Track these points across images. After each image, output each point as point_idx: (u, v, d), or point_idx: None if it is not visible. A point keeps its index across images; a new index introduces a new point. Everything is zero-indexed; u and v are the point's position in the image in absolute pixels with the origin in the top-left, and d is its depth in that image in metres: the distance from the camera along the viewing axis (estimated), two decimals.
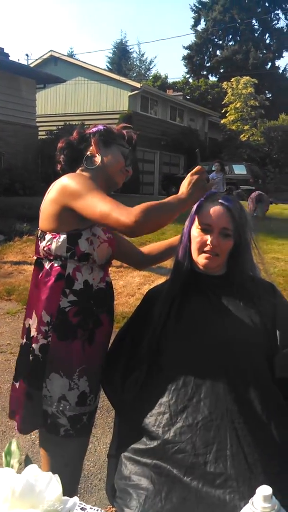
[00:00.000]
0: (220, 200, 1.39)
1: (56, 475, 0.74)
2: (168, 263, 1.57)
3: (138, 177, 17.79)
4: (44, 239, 1.43)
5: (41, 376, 1.42)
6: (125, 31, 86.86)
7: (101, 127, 1.57)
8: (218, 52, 36.56)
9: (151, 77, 34.20)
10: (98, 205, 1.31)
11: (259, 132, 24.18)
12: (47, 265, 1.44)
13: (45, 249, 1.43)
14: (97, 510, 0.95)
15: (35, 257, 1.53)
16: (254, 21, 35.43)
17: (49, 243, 1.42)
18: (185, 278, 1.43)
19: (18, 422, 1.50)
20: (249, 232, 1.42)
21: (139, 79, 32.22)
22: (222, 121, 25.30)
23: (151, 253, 1.73)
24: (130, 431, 1.34)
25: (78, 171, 1.52)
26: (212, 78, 35.46)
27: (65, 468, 1.20)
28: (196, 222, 1.41)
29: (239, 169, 17.26)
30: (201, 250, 1.40)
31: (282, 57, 39.99)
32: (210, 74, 36.83)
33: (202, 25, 36.29)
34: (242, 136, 24.10)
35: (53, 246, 1.41)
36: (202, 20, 36.08)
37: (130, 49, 40.94)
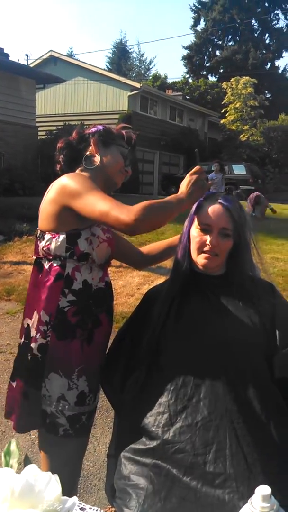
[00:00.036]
0: (219, 200, 1.39)
1: (56, 475, 0.74)
2: (168, 263, 1.57)
3: (138, 177, 17.80)
4: (43, 239, 1.44)
5: (40, 375, 1.42)
6: (124, 31, 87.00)
7: (100, 127, 1.57)
8: (217, 52, 36.59)
9: (150, 77, 34.21)
10: (97, 204, 1.31)
11: (259, 132, 24.19)
12: (46, 265, 1.44)
13: (44, 249, 1.43)
14: (97, 510, 0.96)
15: (34, 257, 1.53)
16: (253, 21, 35.48)
17: (48, 243, 1.42)
18: (184, 278, 1.43)
19: (15, 421, 1.50)
20: (248, 232, 1.42)
21: (139, 79, 32.23)
22: (221, 121, 25.30)
23: (151, 253, 1.73)
24: (130, 431, 1.34)
25: (77, 171, 1.52)
26: (212, 78, 35.52)
27: (64, 468, 1.20)
28: (195, 222, 1.41)
29: (239, 169, 17.26)
30: (200, 250, 1.40)
31: (282, 57, 40.05)
32: (210, 74, 36.87)
33: (201, 25, 36.38)
34: (241, 136, 24.10)
35: (52, 246, 1.41)
36: (202, 20, 36.12)
37: (130, 49, 41.01)
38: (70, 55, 29.11)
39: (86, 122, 14.75)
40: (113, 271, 5.70)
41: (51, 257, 1.43)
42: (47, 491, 0.71)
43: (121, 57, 39.90)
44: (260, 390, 1.26)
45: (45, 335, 1.42)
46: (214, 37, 36.65)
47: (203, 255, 1.39)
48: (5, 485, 0.70)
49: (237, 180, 15.50)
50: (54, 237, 1.41)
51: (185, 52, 36.37)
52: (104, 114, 18.51)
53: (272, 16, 35.92)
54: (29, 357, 1.43)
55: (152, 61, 49.87)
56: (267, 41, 36.48)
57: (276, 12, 35.92)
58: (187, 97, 27.87)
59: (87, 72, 19.43)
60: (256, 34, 36.28)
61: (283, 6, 35.06)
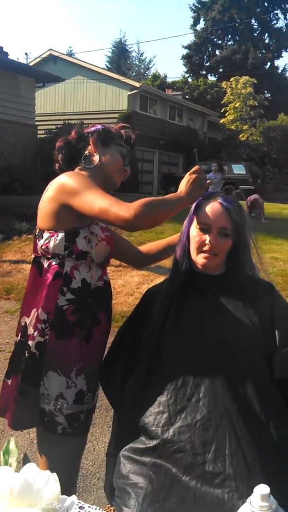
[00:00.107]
0: (219, 200, 1.39)
1: (54, 473, 0.74)
2: (167, 263, 1.57)
3: (137, 177, 17.80)
4: (42, 237, 1.44)
5: (39, 374, 1.42)
6: (124, 31, 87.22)
7: (99, 126, 1.57)
8: (217, 52, 36.59)
9: (150, 77, 34.21)
10: (96, 201, 1.32)
11: (258, 132, 24.19)
12: (45, 264, 1.45)
13: (43, 247, 1.43)
14: (96, 509, 0.96)
15: (33, 256, 1.53)
16: (253, 21, 35.47)
17: (47, 241, 1.42)
18: (184, 277, 1.43)
19: (9, 418, 1.50)
20: (248, 232, 1.42)
21: (138, 78, 32.24)
22: (221, 121, 25.30)
23: (150, 252, 1.74)
24: (129, 430, 1.34)
25: (76, 170, 1.52)
26: (211, 78, 35.54)
27: (62, 467, 1.20)
28: (195, 222, 1.42)
29: (238, 169, 17.26)
30: (199, 250, 1.40)
31: (281, 57, 40.08)
32: (209, 74, 36.86)
33: (201, 24, 36.37)
34: (241, 135, 24.11)
35: (51, 244, 1.41)
36: (202, 19, 36.11)
37: (130, 48, 41.01)
38: (70, 54, 29.09)
39: (86, 121, 14.75)
40: (112, 270, 5.70)
41: (49, 256, 1.43)
42: (46, 490, 0.71)
43: (120, 56, 39.89)
44: (259, 390, 1.26)
45: (43, 333, 1.42)
46: (213, 37, 36.65)
47: (203, 254, 1.39)
48: (4, 484, 0.70)
49: (237, 179, 15.47)
50: (52, 236, 1.41)
51: (185, 51, 36.41)
52: (103, 113, 18.50)
53: (271, 16, 35.95)
54: (26, 355, 1.43)
55: (152, 61, 49.69)
56: (266, 41, 36.49)
57: (275, 12, 35.96)
58: (187, 97, 27.87)
59: (87, 71, 19.42)
60: (255, 34, 36.28)
61: (283, 6, 35.07)
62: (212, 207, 1.39)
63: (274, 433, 1.22)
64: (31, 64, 19.50)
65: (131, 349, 1.45)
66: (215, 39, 36.91)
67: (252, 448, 1.19)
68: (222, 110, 25.40)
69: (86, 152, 1.53)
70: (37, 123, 15.16)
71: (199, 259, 1.40)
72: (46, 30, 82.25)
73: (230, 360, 1.28)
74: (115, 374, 1.47)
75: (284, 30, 36.10)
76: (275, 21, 36.50)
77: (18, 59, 19.13)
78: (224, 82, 26.12)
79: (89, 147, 1.53)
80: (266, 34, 36.60)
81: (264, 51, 35.41)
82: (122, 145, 1.57)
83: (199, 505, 1.14)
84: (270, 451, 1.20)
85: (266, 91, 33.23)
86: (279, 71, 36.63)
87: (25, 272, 5.68)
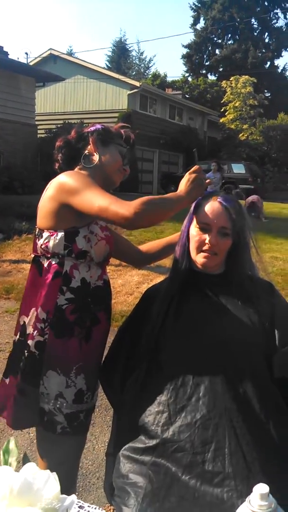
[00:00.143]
0: (219, 199, 1.39)
1: (54, 473, 0.74)
2: (167, 262, 1.57)
3: (137, 176, 17.78)
4: (42, 236, 1.44)
5: (38, 373, 1.42)
6: (124, 30, 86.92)
7: (99, 126, 1.57)
8: (217, 51, 36.56)
9: (150, 76, 34.17)
10: (96, 199, 1.32)
11: (258, 131, 24.17)
12: (44, 263, 1.45)
13: (42, 246, 1.43)
14: (95, 508, 0.96)
15: (32, 255, 1.53)
16: (253, 20, 35.44)
17: (46, 240, 1.42)
18: (183, 277, 1.43)
19: (7, 417, 1.50)
20: (247, 231, 1.42)
21: (138, 77, 32.24)
22: (221, 120, 25.28)
23: (150, 251, 1.74)
24: (129, 429, 1.34)
25: (76, 170, 1.52)
26: (211, 77, 35.50)
27: (61, 466, 1.20)
28: (194, 221, 1.42)
29: (238, 168, 17.25)
30: (199, 249, 1.40)
31: (281, 56, 39.80)
32: (209, 73, 36.84)
33: (201, 24, 36.34)
34: (241, 135, 24.09)
35: (51, 243, 1.42)
36: (202, 19, 36.08)
37: (130, 47, 40.96)
38: (70, 54, 29.03)
39: (86, 120, 14.75)
40: (112, 269, 5.70)
41: (49, 255, 1.43)
42: (46, 489, 0.71)
43: (120, 56, 39.86)
44: (259, 389, 1.26)
45: (42, 332, 1.42)
46: (213, 36, 36.61)
47: (202, 254, 1.40)
48: (4, 483, 0.70)
49: (237, 179, 15.47)
50: (52, 235, 1.41)
51: (185, 50, 36.39)
52: (103, 112, 18.50)
53: (271, 15, 35.92)
54: (26, 354, 1.43)
55: (152, 60, 49.98)
56: (266, 40, 36.47)
57: (275, 11, 35.93)
58: (187, 96, 27.85)
59: (87, 71, 19.41)
60: (255, 33, 36.26)
61: (283, 5, 35.04)
62: (212, 207, 1.39)
63: (274, 432, 1.22)
64: (31, 63, 19.48)
65: (131, 349, 1.45)
66: (215, 38, 36.88)
67: (252, 447, 1.19)
68: (222, 110, 25.37)
69: (86, 151, 1.53)
70: (37, 122, 15.16)
71: (199, 259, 1.40)
72: (46, 30, 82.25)
73: (230, 359, 1.28)
74: (114, 374, 1.47)
75: (284, 30, 36.08)
76: (275, 21, 36.54)
77: (18, 58, 19.25)
78: (224, 82, 26.08)
79: (89, 147, 1.53)
80: (266, 34, 36.58)
81: (264, 51, 35.38)
82: (121, 144, 1.57)
83: (199, 504, 1.14)
84: (270, 450, 1.20)
85: (266, 91, 33.20)
86: (279, 70, 36.61)
87: (25, 272, 5.68)
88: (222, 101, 25.71)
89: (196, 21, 36.32)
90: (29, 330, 1.45)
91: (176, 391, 1.28)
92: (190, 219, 1.44)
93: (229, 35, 36.56)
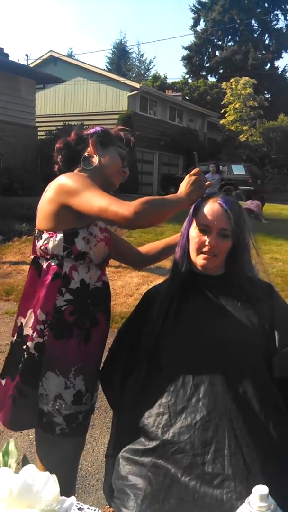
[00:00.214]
0: (218, 201, 1.40)
1: (54, 475, 0.74)
2: (167, 264, 1.57)
3: (137, 178, 17.79)
4: (41, 238, 1.44)
5: (37, 374, 1.42)
6: (124, 32, 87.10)
7: (98, 128, 1.58)
8: (217, 53, 36.63)
9: (150, 78, 34.24)
10: (96, 200, 1.32)
11: (258, 132, 24.21)
12: (44, 264, 1.45)
13: (42, 248, 1.44)
14: (95, 510, 0.96)
15: (32, 257, 1.53)
16: (253, 21, 35.51)
17: (46, 242, 1.43)
18: (183, 278, 1.43)
19: (4, 419, 1.49)
20: (247, 232, 1.43)
21: (139, 79, 32.24)
22: (221, 122, 25.31)
23: (149, 252, 1.74)
24: (128, 431, 1.34)
25: (75, 171, 1.52)
26: (211, 79, 35.56)
27: (60, 467, 1.20)
28: (194, 223, 1.42)
29: (238, 170, 17.26)
30: (199, 251, 1.40)
31: (281, 57, 39.94)
32: (209, 75, 36.91)
33: (201, 25, 36.44)
34: (241, 136, 24.12)
35: (50, 245, 1.42)
36: (202, 20, 36.16)
37: (130, 49, 41.01)
38: (70, 55, 29.13)
39: (86, 122, 14.78)
40: (112, 271, 5.70)
41: (48, 256, 1.44)
42: (45, 491, 0.71)
43: (120, 58, 39.91)
44: (259, 389, 1.26)
45: (42, 334, 1.42)
46: (214, 38, 36.68)
47: (202, 255, 1.40)
48: (3, 485, 0.70)
49: (237, 180, 15.50)
50: (51, 236, 1.42)
51: (185, 52, 36.46)
52: (103, 114, 18.52)
53: (271, 17, 36.00)
54: (25, 355, 1.44)
55: (152, 62, 50.04)
56: (266, 42, 36.52)
57: (275, 12, 36.02)
58: (187, 98, 27.89)
59: (87, 73, 19.44)
60: (255, 35, 36.30)
61: (283, 6, 35.13)
62: (212, 208, 1.39)
63: (274, 432, 1.22)
64: (31, 65, 19.53)
65: (130, 350, 1.45)
66: (215, 40, 36.95)
67: (252, 448, 1.19)
68: (222, 111, 25.41)
69: (86, 153, 1.54)
70: (37, 124, 15.17)
71: (199, 260, 1.41)
72: (46, 31, 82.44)
73: (230, 360, 1.28)
74: (114, 375, 1.47)
75: (284, 31, 36.14)
76: (275, 22, 36.64)
77: (18, 60, 19.24)
78: (224, 83, 26.14)
79: (89, 149, 1.53)
80: (266, 35, 36.64)
81: (264, 52, 35.43)
82: (121, 146, 1.57)
83: (198, 506, 1.14)
84: (269, 450, 1.20)
85: (266, 92, 33.23)
86: (279, 71, 36.68)
87: (25, 274, 5.64)
88: (222, 103, 25.76)
89: (196, 22, 36.41)
90: (28, 331, 1.45)
91: (176, 393, 1.28)
92: (190, 221, 1.44)
93: (229, 37, 36.63)
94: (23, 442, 2.52)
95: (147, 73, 39.87)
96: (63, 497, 0.75)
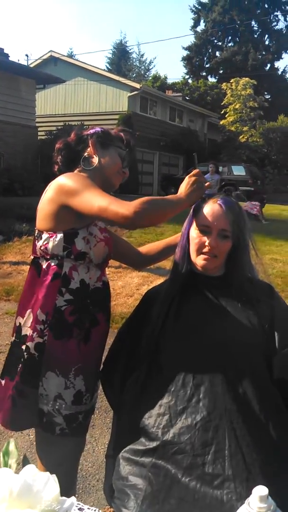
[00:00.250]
0: (218, 202, 1.40)
1: (54, 475, 0.74)
2: (167, 264, 1.57)
3: (137, 178, 17.79)
4: (41, 238, 1.44)
5: (37, 374, 1.42)
6: (124, 32, 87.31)
7: (98, 129, 1.58)
8: (217, 53, 36.64)
9: (150, 78, 34.25)
10: (96, 200, 1.32)
11: (258, 133, 24.20)
12: (44, 264, 1.45)
13: (41, 248, 1.44)
14: (95, 510, 0.96)
15: (32, 257, 1.53)
16: (253, 22, 35.53)
17: (45, 242, 1.43)
18: (183, 278, 1.43)
19: (3, 419, 1.49)
20: (247, 233, 1.43)
21: (139, 79, 32.24)
22: (221, 122, 25.31)
23: (149, 253, 1.74)
24: (129, 431, 1.34)
25: (75, 172, 1.53)
26: (212, 79, 35.55)
27: (59, 467, 1.20)
28: (194, 224, 1.42)
29: (238, 170, 17.25)
30: (199, 251, 1.40)
31: (282, 58, 40.14)
32: (210, 75, 36.90)
33: (201, 26, 36.44)
34: (241, 137, 24.12)
35: (50, 245, 1.42)
36: (202, 21, 36.16)
37: (130, 49, 41.04)
38: (70, 56, 29.13)
39: (86, 122, 14.78)
40: (112, 271, 5.70)
41: (48, 257, 1.44)
42: (45, 491, 0.71)
43: (121, 58, 39.94)
44: (259, 390, 1.26)
45: (42, 334, 1.42)
46: (214, 38, 36.69)
47: (202, 256, 1.40)
48: (4, 485, 0.70)
49: (237, 181, 15.49)
50: (51, 237, 1.42)
51: (185, 53, 36.45)
52: (104, 114, 18.53)
53: (272, 18, 36.01)
54: (25, 356, 1.44)
55: (152, 62, 50.02)
56: (266, 42, 36.52)
57: (276, 13, 36.02)
58: (187, 98, 27.90)
59: (87, 73, 19.45)
60: (256, 35, 36.31)
61: (283, 7, 35.14)
62: (212, 209, 1.39)
63: (274, 433, 1.22)
64: (31, 65, 19.54)
65: (131, 350, 1.45)
66: (215, 41, 36.96)
67: (252, 448, 1.19)
68: (222, 112, 25.40)
69: (86, 154, 1.54)
70: (37, 124, 15.18)
71: (199, 261, 1.41)
72: (46, 31, 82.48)
73: (230, 360, 1.28)
74: (115, 374, 1.47)
75: (284, 32, 36.15)
76: (275, 23, 36.62)
77: (18, 60, 19.28)
78: (224, 84, 26.12)
79: (89, 149, 1.54)
80: (266, 36, 36.64)
81: (264, 53, 35.43)
82: (121, 147, 1.58)
83: (198, 506, 1.14)
84: (269, 451, 1.20)
85: (266, 93, 33.23)
86: (279, 72, 36.68)
87: (25, 274, 5.63)
88: (222, 103, 25.75)
89: (196, 23, 36.41)
90: (27, 331, 1.46)
91: (176, 393, 1.28)
92: (190, 221, 1.44)
93: (229, 37, 36.62)
94: (24, 442, 2.51)
95: (147, 74, 39.91)
96: (63, 498, 0.75)
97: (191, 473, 1.18)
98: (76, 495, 1.62)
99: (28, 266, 1.55)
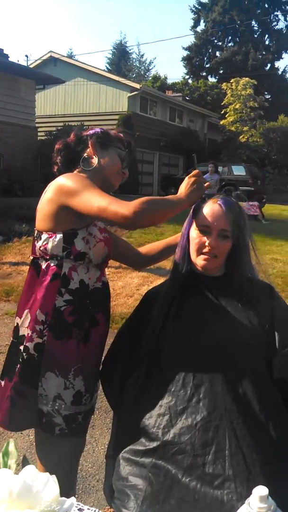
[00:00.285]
0: (218, 202, 1.40)
1: (54, 475, 0.74)
2: (167, 264, 1.57)
3: (137, 178, 17.79)
4: (41, 238, 1.44)
5: (37, 375, 1.42)
6: (124, 32, 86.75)
7: (98, 129, 1.58)
8: (217, 53, 36.65)
9: (150, 78, 34.26)
10: (95, 200, 1.33)
11: (258, 133, 24.21)
12: (43, 265, 1.45)
13: (41, 248, 1.44)
14: (95, 511, 0.95)
15: (31, 257, 1.53)
16: (253, 22, 35.53)
17: (45, 242, 1.43)
18: (184, 279, 1.43)
19: (1, 419, 1.49)
20: (247, 233, 1.43)
21: (139, 80, 32.26)
22: (221, 122, 25.31)
23: (149, 253, 1.74)
24: (129, 431, 1.34)
25: (75, 172, 1.53)
26: (212, 79, 35.56)
27: (59, 468, 1.20)
28: (194, 224, 1.42)
29: (238, 170, 17.24)
30: (199, 252, 1.40)
31: (282, 58, 40.16)
32: (210, 75, 36.91)
33: (201, 26, 36.46)
34: (241, 137, 24.12)
35: (49, 245, 1.42)
36: (202, 21, 36.17)
37: (130, 50, 41.06)
38: (70, 56, 29.14)
39: (86, 123, 14.78)
40: (112, 272, 5.70)
41: (48, 257, 1.44)
42: (45, 492, 0.71)
43: (121, 58, 39.95)
44: (259, 390, 1.26)
45: (41, 334, 1.42)
46: (214, 38, 36.70)
47: (202, 256, 1.40)
48: (3, 486, 0.70)
49: (237, 181, 15.49)
50: (51, 237, 1.42)
51: (185, 53, 36.47)
52: (103, 115, 18.53)
53: (272, 18, 36.02)
54: (24, 356, 1.44)
55: (152, 62, 50.04)
56: (267, 42, 36.54)
57: (276, 13, 36.03)
58: (187, 98, 27.90)
59: (87, 73, 19.45)
60: (256, 35, 36.32)
61: (283, 7, 35.16)
62: (212, 209, 1.39)
63: (274, 433, 1.22)
64: (31, 66, 19.55)
65: (131, 351, 1.45)
66: (215, 41, 36.97)
67: (252, 448, 1.19)
68: (222, 112, 25.40)
69: (85, 154, 1.54)
70: (37, 125, 15.18)
71: (199, 261, 1.41)
72: (46, 32, 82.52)
73: (230, 360, 1.28)
74: (115, 375, 1.47)
75: (284, 32, 36.16)
76: (275, 23, 36.66)
77: (18, 61, 19.28)
78: (224, 84, 26.12)
79: (88, 150, 1.54)
80: (266, 36, 36.66)
81: (264, 53, 35.44)
82: (120, 148, 1.58)
83: (198, 507, 1.14)
84: (270, 451, 1.20)
85: (266, 93, 33.24)
86: (279, 72, 36.69)
87: (25, 274, 5.61)
88: (222, 103, 25.76)
89: (196, 23, 36.43)
90: (24, 332, 1.46)
91: (176, 393, 1.28)
92: (190, 222, 1.44)
93: (230, 37, 36.64)
94: (23, 442, 2.51)
95: (147, 74, 39.93)
96: (63, 498, 0.75)
97: (191, 473, 1.18)
98: (76, 496, 1.62)
99: (28, 267, 1.55)
